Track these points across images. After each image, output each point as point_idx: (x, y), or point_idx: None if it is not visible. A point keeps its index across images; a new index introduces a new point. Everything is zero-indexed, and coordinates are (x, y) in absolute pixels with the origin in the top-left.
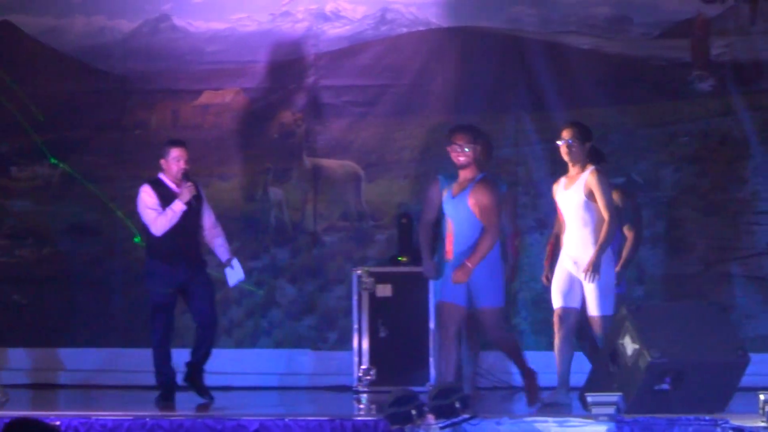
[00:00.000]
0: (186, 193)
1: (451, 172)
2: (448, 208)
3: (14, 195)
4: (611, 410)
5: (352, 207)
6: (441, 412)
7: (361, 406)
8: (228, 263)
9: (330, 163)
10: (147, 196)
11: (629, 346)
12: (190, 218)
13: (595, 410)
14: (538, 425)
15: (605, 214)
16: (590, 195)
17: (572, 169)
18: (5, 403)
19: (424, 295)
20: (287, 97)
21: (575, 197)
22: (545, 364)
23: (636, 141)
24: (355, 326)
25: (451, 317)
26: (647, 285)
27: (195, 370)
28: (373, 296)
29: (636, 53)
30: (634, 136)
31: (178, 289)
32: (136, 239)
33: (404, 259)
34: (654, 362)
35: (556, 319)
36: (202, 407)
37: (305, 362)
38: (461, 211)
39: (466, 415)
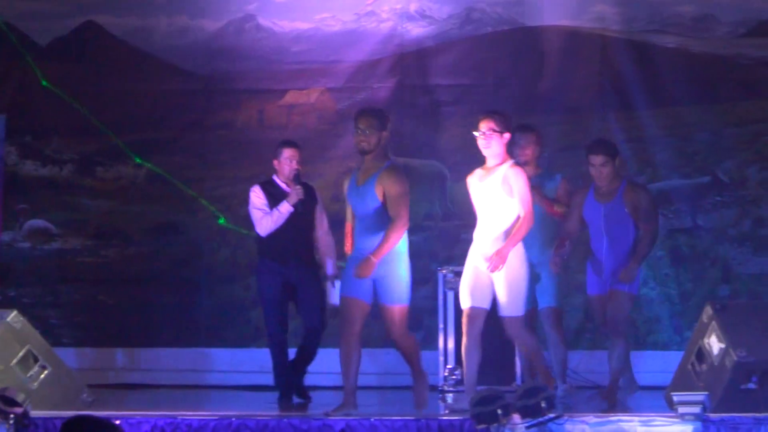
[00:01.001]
0: (293, 195)
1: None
2: (352, 198)
3: (99, 195)
4: (697, 409)
5: (438, 206)
6: (527, 412)
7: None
8: (331, 280)
9: (415, 163)
10: (255, 197)
11: (715, 345)
12: (301, 220)
13: (681, 409)
14: (623, 424)
15: (522, 210)
16: (508, 190)
17: (490, 161)
18: (92, 403)
19: None
20: (372, 97)
21: (491, 191)
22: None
23: (721, 140)
24: (441, 326)
25: (352, 313)
26: (733, 284)
27: (296, 370)
28: (458, 296)
29: (721, 52)
30: (720, 135)
31: (287, 287)
32: (221, 221)
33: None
34: (740, 361)
35: (464, 319)
36: (300, 407)
37: (390, 362)
38: (367, 201)
39: (551, 415)
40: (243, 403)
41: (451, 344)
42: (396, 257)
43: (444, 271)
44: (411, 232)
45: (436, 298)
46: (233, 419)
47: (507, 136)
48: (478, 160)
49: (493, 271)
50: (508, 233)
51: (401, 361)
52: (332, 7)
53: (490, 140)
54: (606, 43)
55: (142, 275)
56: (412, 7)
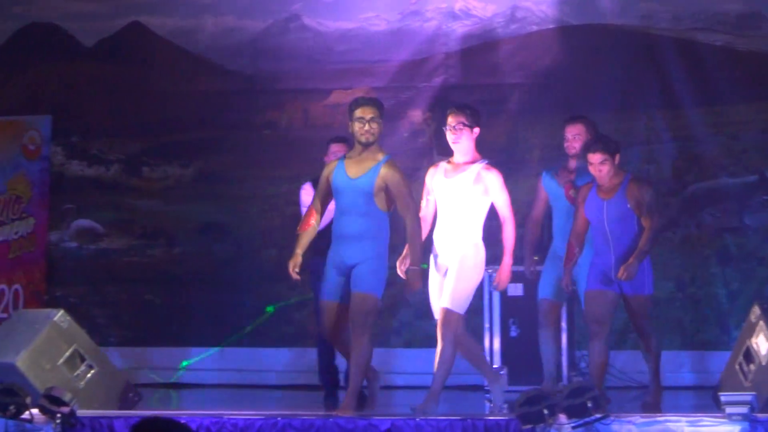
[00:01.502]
0: None
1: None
2: (342, 189)
3: (146, 195)
4: (745, 410)
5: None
6: (573, 412)
7: (492, 405)
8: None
9: None
10: (305, 194)
11: (763, 345)
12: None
13: (728, 410)
14: (670, 425)
15: (505, 214)
16: (482, 189)
17: (458, 157)
18: (137, 402)
19: None
20: (417, 96)
21: (461, 188)
22: (678, 363)
23: None
24: (486, 325)
25: (327, 317)
26: None
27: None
28: (504, 295)
29: None
30: (767, 133)
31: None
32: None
33: (536, 258)
34: None
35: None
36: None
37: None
38: (362, 193)
39: (598, 415)
40: (288, 402)
41: (497, 344)
42: (374, 245)
43: (490, 271)
44: None
45: (481, 298)
46: (279, 419)
47: (477, 130)
48: (522, 159)
49: (500, 289)
50: (471, 236)
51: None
52: (377, 6)
53: (460, 135)
54: (652, 42)
55: (187, 275)
56: (457, 6)
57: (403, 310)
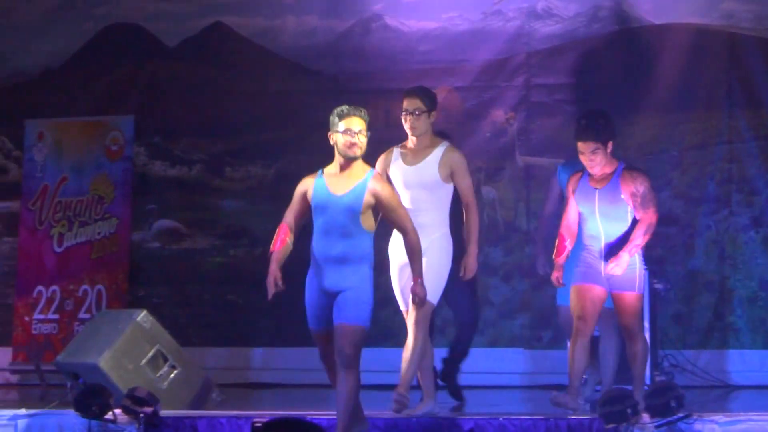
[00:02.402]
0: None
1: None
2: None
3: (228, 195)
4: None
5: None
6: (656, 411)
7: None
8: None
9: (543, 162)
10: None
11: None
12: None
13: None
14: (753, 424)
15: (469, 198)
16: (446, 174)
17: (416, 142)
18: (220, 402)
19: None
20: (499, 96)
21: (425, 174)
22: (761, 362)
23: None
24: None
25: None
26: None
27: (450, 368)
28: None
29: None
30: None
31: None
32: None
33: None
34: None
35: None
36: (456, 409)
37: (519, 361)
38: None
39: (681, 414)
40: (371, 402)
41: None
42: (357, 269)
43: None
44: (538, 231)
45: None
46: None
47: (434, 114)
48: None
49: (467, 279)
50: (443, 225)
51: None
52: (459, 6)
53: (418, 120)
54: (734, 41)
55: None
56: (539, 6)
57: (487, 309)
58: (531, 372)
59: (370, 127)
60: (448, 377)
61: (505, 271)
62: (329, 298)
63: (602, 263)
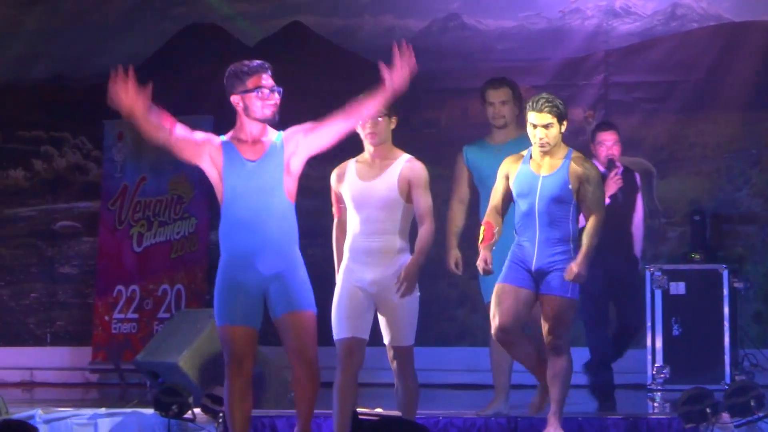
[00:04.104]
0: (612, 185)
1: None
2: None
3: (306, 194)
4: None
5: (644, 204)
6: (736, 411)
7: (656, 404)
8: None
9: (622, 160)
10: None
11: None
12: (620, 210)
13: None
14: None
15: (426, 216)
16: (405, 189)
17: (375, 151)
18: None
19: (718, 293)
20: (577, 94)
21: (383, 189)
22: None
23: None
24: (649, 324)
25: None
26: None
27: (603, 369)
28: (666, 294)
29: None
30: None
31: (605, 285)
32: None
33: (697, 256)
34: None
35: (341, 353)
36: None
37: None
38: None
39: (761, 413)
40: (446, 401)
41: (659, 343)
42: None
43: (651, 269)
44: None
45: (644, 296)
46: (440, 418)
47: (395, 120)
48: (684, 158)
49: (403, 297)
50: (403, 239)
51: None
52: (537, 4)
53: (377, 126)
54: None
55: None
56: (617, 4)
57: None
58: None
59: (446, 126)
60: (601, 380)
61: None
62: None
63: (534, 261)
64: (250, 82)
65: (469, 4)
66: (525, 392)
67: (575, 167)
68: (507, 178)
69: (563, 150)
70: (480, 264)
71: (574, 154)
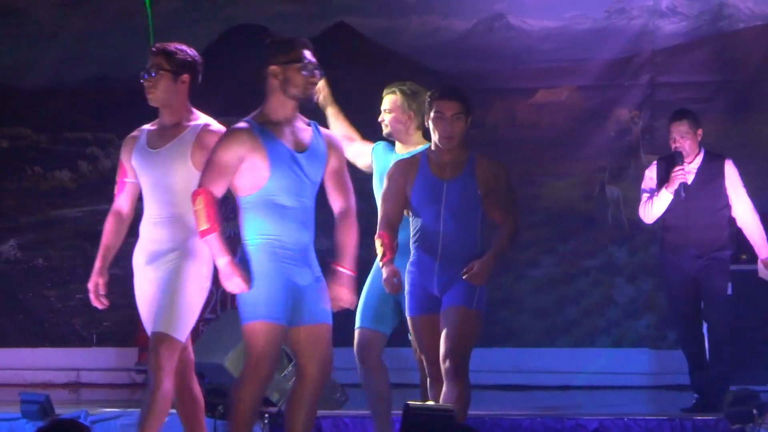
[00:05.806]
0: (678, 177)
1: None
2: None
3: (355, 195)
4: None
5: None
6: None
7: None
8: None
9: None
10: (648, 177)
11: None
12: (700, 200)
13: None
14: None
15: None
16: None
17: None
18: (344, 402)
19: (766, 293)
20: (623, 95)
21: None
22: None
23: None
24: None
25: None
26: None
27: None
28: None
29: None
30: None
31: (693, 284)
32: None
33: (745, 256)
34: None
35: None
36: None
37: (644, 361)
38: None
39: None
40: (490, 402)
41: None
42: None
43: None
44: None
45: None
46: (486, 419)
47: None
48: (731, 157)
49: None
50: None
51: (646, 361)
52: (582, 5)
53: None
54: None
55: None
56: (663, 4)
57: (612, 309)
58: (655, 372)
59: (491, 126)
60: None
61: (630, 270)
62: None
63: (435, 283)
64: (294, 54)
65: (515, 4)
66: (556, 394)
67: (482, 168)
68: (401, 184)
69: (466, 151)
70: (388, 282)
71: (478, 154)
